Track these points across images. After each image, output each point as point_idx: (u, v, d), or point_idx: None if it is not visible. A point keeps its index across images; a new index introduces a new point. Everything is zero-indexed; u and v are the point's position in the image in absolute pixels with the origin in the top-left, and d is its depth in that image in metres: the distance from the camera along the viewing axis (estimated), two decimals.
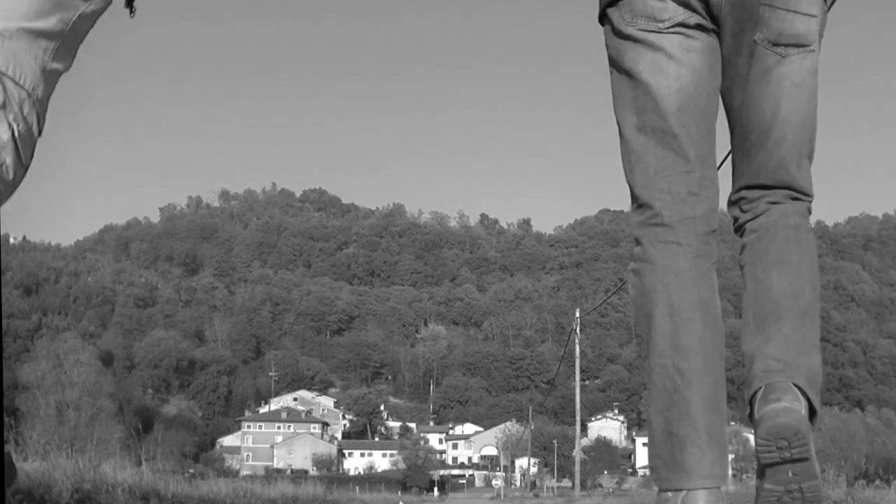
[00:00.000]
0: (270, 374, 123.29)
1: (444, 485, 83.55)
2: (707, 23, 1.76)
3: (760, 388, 1.74)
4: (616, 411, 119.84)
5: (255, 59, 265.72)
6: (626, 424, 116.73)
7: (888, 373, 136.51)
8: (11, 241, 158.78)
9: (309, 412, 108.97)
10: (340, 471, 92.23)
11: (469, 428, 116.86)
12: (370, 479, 76.16)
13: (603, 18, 1.84)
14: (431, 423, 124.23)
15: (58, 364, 66.08)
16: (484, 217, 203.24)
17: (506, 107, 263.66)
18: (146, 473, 9.76)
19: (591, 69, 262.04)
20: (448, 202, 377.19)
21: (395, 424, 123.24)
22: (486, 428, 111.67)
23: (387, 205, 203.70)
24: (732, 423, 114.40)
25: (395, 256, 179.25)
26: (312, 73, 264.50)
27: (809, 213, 1.84)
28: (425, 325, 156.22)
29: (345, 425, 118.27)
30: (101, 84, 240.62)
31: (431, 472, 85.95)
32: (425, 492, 74.00)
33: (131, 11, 1.79)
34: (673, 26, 1.74)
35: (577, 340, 36.92)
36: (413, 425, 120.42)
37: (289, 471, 73.91)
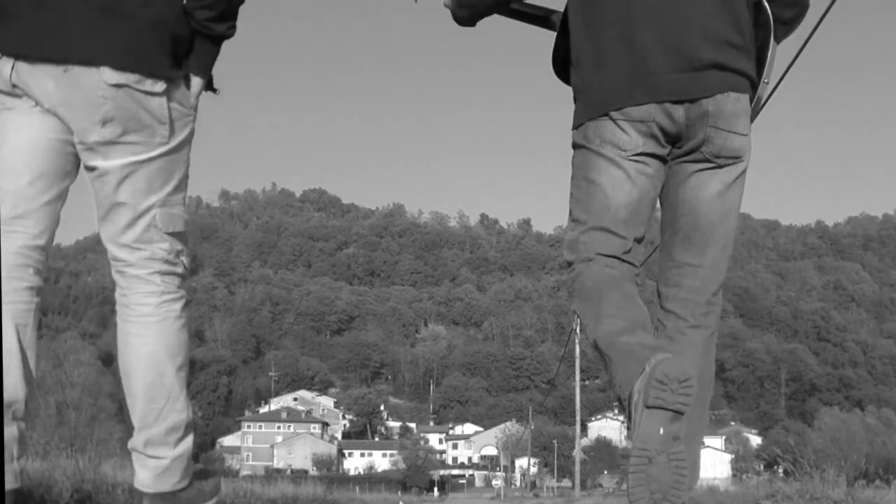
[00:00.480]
0: (270, 374, 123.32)
1: (444, 485, 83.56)
2: (659, 149, 2.19)
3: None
4: (616, 411, 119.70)
5: (255, 59, 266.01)
6: (626, 424, 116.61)
7: (888, 373, 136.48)
8: None
9: (309, 412, 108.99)
10: (340, 471, 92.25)
11: (469, 428, 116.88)
12: (370, 479, 76.16)
13: (577, 127, 2.25)
14: (431, 423, 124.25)
15: (58, 364, 66.12)
16: (484, 217, 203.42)
17: (506, 107, 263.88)
18: None
19: None
20: (448, 202, 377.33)
21: (395, 424, 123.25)
22: (486, 428, 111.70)
23: (387, 205, 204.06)
24: (732, 423, 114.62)
25: (395, 256, 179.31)
26: (312, 73, 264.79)
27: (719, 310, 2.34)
28: (425, 325, 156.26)
29: (345, 425, 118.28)
30: None
31: (431, 472, 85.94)
32: (425, 492, 73.98)
33: (214, 92, 2.30)
34: (634, 155, 2.17)
35: (577, 340, 36.93)
36: (413, 425, 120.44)
37: (289, 471, 73.95)
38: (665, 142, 2.19)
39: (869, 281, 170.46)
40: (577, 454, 40.78)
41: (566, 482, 76.97)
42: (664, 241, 2.35)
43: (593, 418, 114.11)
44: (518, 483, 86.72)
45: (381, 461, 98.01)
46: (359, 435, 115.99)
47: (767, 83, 2.41)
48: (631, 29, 2.17)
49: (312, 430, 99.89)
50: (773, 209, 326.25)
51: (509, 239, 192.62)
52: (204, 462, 79.81)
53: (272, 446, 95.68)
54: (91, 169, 2.16)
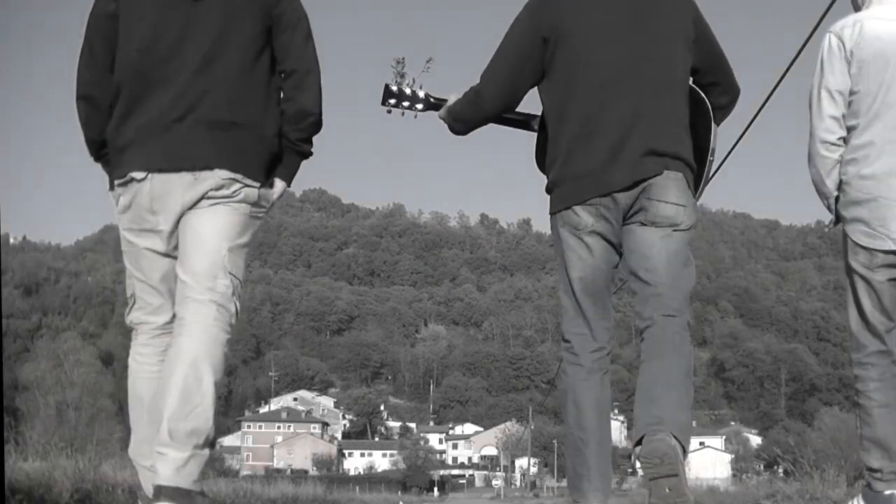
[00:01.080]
0: (270, 374, 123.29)
1: (444, 485, 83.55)
2: (609, 226, 2.87)
3: (644, 435, 2.64)
4: (616, 411, 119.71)
5: None
6: (625, 424, 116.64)
7: None
8: (11, 241, 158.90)
9: (309, 412, 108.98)
10: (340, 471, 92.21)
11: (469, 428, 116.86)
12: (370, 479, 76.15)
13: (552, 214, 2.96)
14: (431, 423, 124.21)
15: (58, 364, 66.06)
16: (484, 217, 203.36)
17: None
18: None
19: None
20: (448, 202, 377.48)
21: (395, 424, 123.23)
22: (486, 428, 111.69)
23: (387, 205, 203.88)
24: (732, 423, 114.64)
25: (395, 256, 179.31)
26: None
27: (689, 325, 2.85)
28: (425, 325, 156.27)
29: (345, 425, 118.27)
30: None
31: (431, 472, 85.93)
32: (425, 492, 73.99)
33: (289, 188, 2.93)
34: (588, 233, 2.88)
35: None
36: (413, 425, 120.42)
37: (289, 471, 73.92)
38: (613, 218, 2.87)
39: None
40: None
41: (566, 482, 76.90)
42: (631, 282, 2.95)
43: None
44: (518, 483, 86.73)
45: (381, 461, 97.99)
46: (359, 435, 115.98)
47: (713, 160, 3.09)
48: (588, 129, 2.86)
49: (312, 430, 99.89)
50: (773, 209, 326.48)
51: (509, 239, 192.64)
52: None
53: (272, 446, 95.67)
54: (190, 223, 2.75)
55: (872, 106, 3.19)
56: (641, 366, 2.84)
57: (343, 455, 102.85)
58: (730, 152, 11.93)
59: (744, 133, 11.55)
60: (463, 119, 3.16)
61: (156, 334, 2.82)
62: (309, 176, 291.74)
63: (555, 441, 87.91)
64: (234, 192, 2.73)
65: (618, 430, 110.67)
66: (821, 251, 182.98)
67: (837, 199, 3.36)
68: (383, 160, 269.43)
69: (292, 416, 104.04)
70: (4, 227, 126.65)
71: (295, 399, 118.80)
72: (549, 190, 3.00)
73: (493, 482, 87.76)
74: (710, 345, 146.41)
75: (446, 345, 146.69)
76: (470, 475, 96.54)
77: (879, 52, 3.17)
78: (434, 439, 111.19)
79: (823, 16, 8.05)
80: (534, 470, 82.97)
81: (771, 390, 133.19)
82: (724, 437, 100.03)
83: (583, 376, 2.90)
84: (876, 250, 3.21)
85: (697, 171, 3.01)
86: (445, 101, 3.26)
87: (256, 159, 2.79)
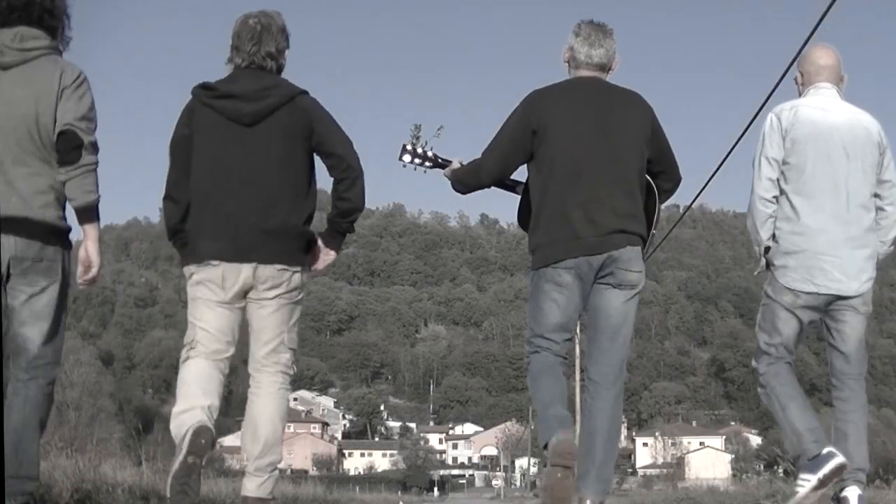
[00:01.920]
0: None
1: (444, 485, 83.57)
2: (582, 283, 3.59)
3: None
4: None
5: None
6: (625, 424, 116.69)
7: (888, 373, 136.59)
8: None
9: (309, 412, 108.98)
10: (340, 471, 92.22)
11: (469, 428, 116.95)
12: (370, 479, 76.17)
13: (534, 270, 3.67)
14: (431, 423, 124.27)
15: None
16: (484, 217, 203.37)
17: (506, 106, 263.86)
18: (146, 473, 9.76)
19: None
20: (448, 202, 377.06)
21: (395, 424, 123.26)
22: (486, 428, 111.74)
23: (387, 205, 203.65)
24: (732, 423, 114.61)
25: (395, 256, 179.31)
26: (311, 72, 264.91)
27: (624, 388, 3.71)
28: (425, 325, 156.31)
29: (345, 425, 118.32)
30: (102, 84, 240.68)
31: (431, 472, 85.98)
32: (425, 492, 73.99)
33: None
34: (565, 286, 3.58)
35: (576, 340, 36.87)
36: (413, 425, 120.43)
37: (289, 471, 73.91)
38: (585, 278, 3.58)
39: None
40: (577, 454, 40.71)
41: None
42: (589, 334, 3.70)
43: None
44: (518, 483, 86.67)
45: (381, 461, 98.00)
46: (359, 435, 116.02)
47: (655, 234, 3.89)
48: (566, 208, 3.58)
49: (312, 430, 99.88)
50: None
51: (509, 239, 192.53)
52: (204, 462, 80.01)
53: None
54: (256, 307, 3.68)
55: (801, 177, 3.92)
56: (586, 415, 3.81)
57: (343, 455, 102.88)
58: (730, 152, 11.92)
59: (743, 133, 11.54)
60: (464, 183, 4.06)
61: (207, 355, 3.76)
62: None
63: None
64: (285, 279, 3.62)
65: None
66: None
67: (768, 248, 4.04)
68: (383, 160, 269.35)
69: (292, 416, 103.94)
70: None
71: (295, 399, 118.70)
72: (533, 250, 3.71)
73: (493, 482, 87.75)
74: (710, 345, 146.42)
75: (446, 345, 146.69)
76: (470, 475, 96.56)
77: (809, 134, 3.92)
78: (434, 439, 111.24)
79: (823, 16, 8.05)
80: (534, 470, 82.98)
81: None
82: (724, 437, 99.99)
83: (546, 361, 3.71)
84: (800, 291, 3.90)
85: (650, 227, 3.86)
86: (450, 162, 4.12)
87: (299, 253, 3.67)
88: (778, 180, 3.97)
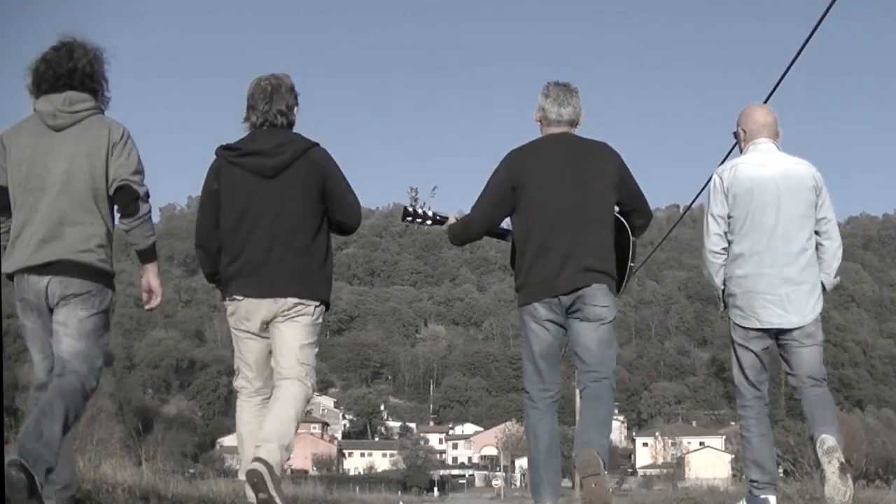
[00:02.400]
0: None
1: (444, 485, 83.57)
2: (559, 316, 4.22)
3: (581, 450, 4.02)
4: (616, 411, 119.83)
5: (254, 58, 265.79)
6: (625, 424, 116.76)
7: (888, 373, 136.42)
8: None
9: (309, 412, 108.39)
10: (340, 471, 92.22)
11: (469, 428, 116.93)
12: (370, 479, 76.16)
13: (520, 307, 4.30)
14: (431, 423, 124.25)
15: None
16: None
17: (506, 106, 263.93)
18: (146, 473, 9.75)
19: (590, 69, 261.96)
20: (448, 202, 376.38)
21: (395, 424, 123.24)
22: (486, 428, 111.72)
23: (387, 205, 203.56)
24: (732, 423, 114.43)
25: (395, 256, 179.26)
26: (312, 72, 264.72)
27: (614, 386, 4.23)
28: (425, 325, 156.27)
29: (345, 425, 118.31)
30: None
31: (431, 472, 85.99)
32: (425, 492, 73.98)
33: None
34: (544, 321, 4.24)
35: None
36: (413, 425, 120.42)
37: (289, 471, 73.84)
38: (559, 312, 4.20)
39: (869, 281, 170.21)
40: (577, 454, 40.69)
41: (566, 482, 76.96)
42: (573, 358, 4.28)
43: None
44: (518, 483, 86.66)
45: (381, 461, 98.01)
46: (359, 435, 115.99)
47: (633, 266, 4.43)
48: (543, 254, 4.17)
49: (312, 430, 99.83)
50: None
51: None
52: (204, 462, 79.85)
53: None
54: (278, 330, 4.21)
55: (743, 227, 4.52)
56: (580, 412, 4.30)
57: (343, 455, 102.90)
58: (730, 152, 11.95)
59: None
60: (459, 237, 4.57)
61: (251, 394, 4.43)
62: None
63: None
64: (300, 310, 4.16)
65: (617, 430, 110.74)
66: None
67: (724, 291, 4.62)
68: (383, 160, 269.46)
69: None
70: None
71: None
72: (517, 290, 4.33)
73: (493, 482, 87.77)
74: (710, 345, 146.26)
75: (446, 345, 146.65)
76: (470, 475, 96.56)
77: (747, 189, 4.53)
78: (434, 439, 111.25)
79: (824, 15, 8.05)
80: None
81: (771, 390, 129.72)
82: (724, 437, 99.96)
83: (538, 416, 4.30)
84: (748, 328, 4.53)
85: (621, 275, 4.37)
86: (447, 218, 4.67)
87: (315, 288, 4.21)
88: (725, 233, 4.58)
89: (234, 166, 4.18)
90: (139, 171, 4.03)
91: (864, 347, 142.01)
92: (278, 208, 4.13)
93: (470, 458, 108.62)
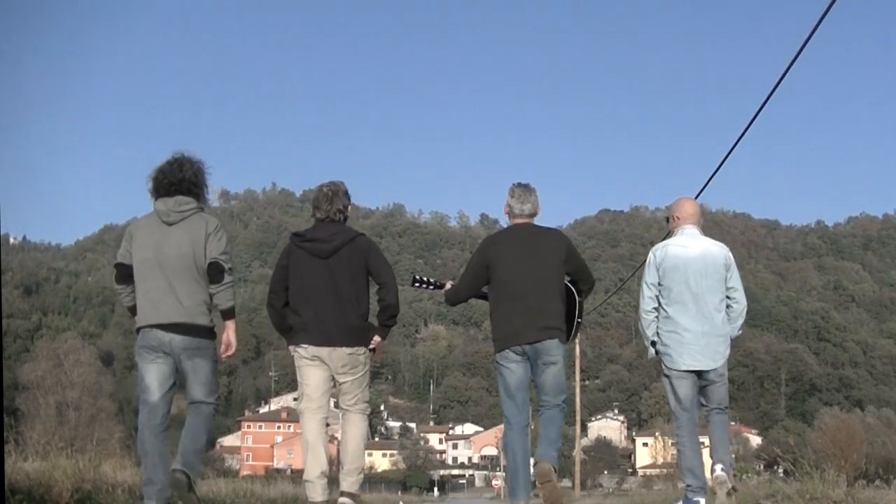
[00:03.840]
0: (270, 374, 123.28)
1: (444, 485, 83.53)
2: (524, 359, 5.68)
3: (537, 462, 5.46)
4: (616, 411, 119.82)
5: (254, 58, 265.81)
6: (626, 424, 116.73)
7: (888, 373, 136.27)
8: (11, 241, 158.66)
9: None
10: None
11: (469, 428, 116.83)
12: (370, 479, 76.03)
13: (496, 353, 5.73)
14: (431, 423, 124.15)
15: (58, 364, 65.95)
16: (484, 217, 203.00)
17: (505, 106, 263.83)
18: None
19: (590, 69, 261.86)
20: (448, 202, 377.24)
21: (395, 424, 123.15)
22: (486, 428, 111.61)
23: (387, 205, 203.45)
24: (732, 423, 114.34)
25: (395, 256, 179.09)
26: (312, 72, 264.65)
27: (564, 410, 5.71)
28: (425, 325, 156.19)
29: None
30: (102, 84, 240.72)
31: (431, 472, 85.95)
32: (425, 492, 73.95)
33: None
34: (513, 362, 5.70)
35: (576, 340, 36.91)
36: (413, 425, 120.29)
37: (289, 471, 73.85)
38: (525, 357, 5.62)
39: (869, 281, 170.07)
40: (577, 454, 40.82)
41: (566, 482, 76.96)
42: (536, 388, 5.73)
43: (593, 418, 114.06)
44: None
45: (381, 461, 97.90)
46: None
47: (580, 322, 5.86)
48: (510, 314, 5.57)
49: None
50: (773, 209, 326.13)
51: None
52: (203, 462, 79.69)
53: (272, 446, 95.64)
54: (341, 382, 5.72)
55: (672, 294, 5.92)
56: (539, 430, 5.69)
57: None
58: (730, 152, 11.91)
59: (744, 133, 11.53)
60: (451, 300, 6.06)
61: (314, 412, 5.74)
62: (309, 176, 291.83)
63: None
64: (352, 358, 5.65)
65: (618, 430, 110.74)
66: (821, 251, 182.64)
67: (654, 342, 6.01)
68: (383, 160, 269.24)
69: (292, 416, 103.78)
70: (4, 227, 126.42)
71: (295, 399, 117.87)
72: (493, 340, 5.74)
73: (493, 482, 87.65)
74: None
75: (446, 345, 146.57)
76: (470, 475, 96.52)
77: (674, 265, 5.93)
78: (434, 439, 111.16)
79: (824, 15, 8.05)
80: (534, 470, 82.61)
81: (771, 390, 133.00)
82: None
83: (515, 437, 5.71)
84: (676, 369, 5.94)
85: (571, 328, 5.80)
86: (444, 284, 6.14)
87: (361, 339, 5.67)
88: (657, 296, 5.93)
89: (299, 249, 5.70)
90: (226, 252, 5.37)
91: (864, 347, 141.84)
92: (330, 281, 5.57)
93: (470, 458, 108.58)
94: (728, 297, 6.06)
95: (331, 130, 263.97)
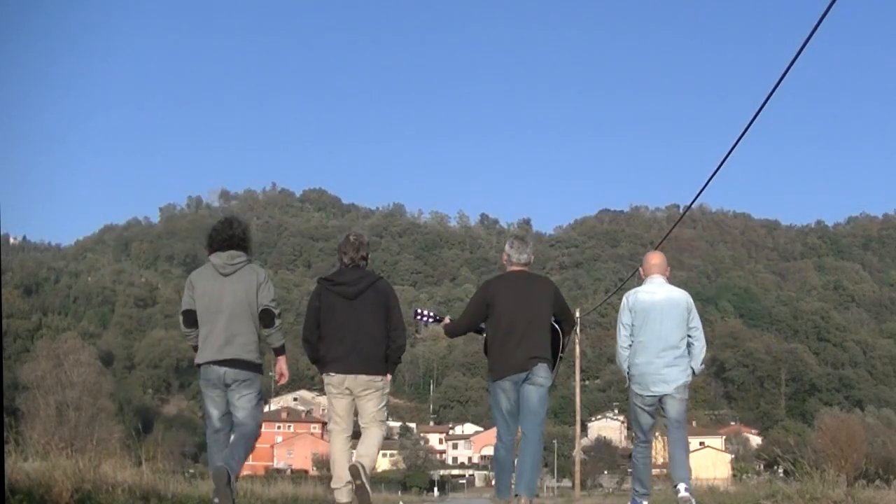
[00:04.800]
0: (270, 373, 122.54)
1: (444, 485, 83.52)
2: (515, 385, 6.64)
3: (517, 494, 6.53)
4: (616, 411, 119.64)
5: (254, 59, 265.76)
6: (625, 424, 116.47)
7: (888, 373, 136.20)
8: (11, 241, 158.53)
9: (309, 412, 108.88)
10: None
11: (469, 428, 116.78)
12: (370, 479, 75.92)
13: (492, 381, 6.75)
14: (431, 423, 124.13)
15: (58, 364, 65.93)
16: (484, 217, 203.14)
17: (506, 106, 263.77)
18: (146, 473, 9.75)
19: (589, 69, 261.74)
20: (448, 202, 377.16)
21: (395, 424, 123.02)
22: (486, 428, 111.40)
23: (387, 205, 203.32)
24: (732, 423, 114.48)
25: (395, 256, 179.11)
26: (312, 73, 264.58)
27: (543, 428, 6.71)
28: (425, 325, 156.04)
29: None
30: (102, 84, 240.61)
31: (431, 472, 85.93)
32: (425, 492, 73.93)
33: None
34: (507, 388, 6.66)
35: (577, 340, 36.89)
36: (413, 425, 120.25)
37: (289, 471, 73.89)
38: (517, 383, 6.55)
39: (869, 281, 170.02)
40: (577, 454, 40.82)
41: (566, 482, 76.92)
42: (521, 410, 6.65)
43: (593, 418, 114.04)
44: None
45: (381, 461, 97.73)
46: (359, 435, 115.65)
47: (562, 355, 6.83)
48: (505, 346, 6.53)
49: (312, 430, 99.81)
50: (773, 209, 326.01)
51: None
52: (204, 462, 79.48)
53: (272, 446, 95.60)
54: (362, 403, 6.69)
55: (640, 333, 7.03)
56: (521, 446, 6.60)
57: None
58: (730, 152, 11.93)
59: (743, 133, 11.54)
60: (451, 333, 7.27)
61: (340, 432, 6.74)
62: (309, 176, 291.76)
63: (555, 441, 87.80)
64: (371, 384, 6.59)
65: (618, 430, 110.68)
66: (821, 251, 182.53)
67: (628, 371, 7.13)
68: (383, 160, 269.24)
69: (292, 416, 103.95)
70: (4, 227, 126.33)
71: (295, 399, 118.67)
72: (489, 369, 6.69)
73: (494, 482, 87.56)
74: (710, 345, 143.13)
75: (446, 345, 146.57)
76: (470, 475, 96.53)
77: (643, 309, 7.03)
78: (434, 439, 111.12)
79: (824, 15, 8.04)
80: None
81: (771, 390, 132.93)
82: (724, 437, 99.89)
83: (505, 452, 6.74)
84: (643, 395, 7.05)
85: (556, 357, 6.76)
86: (444, 318, 7.28)
87: (380, 369, 6.64)
88: (630, 335, 7.08)
89: (329, 292, 6.64)
90: (274, 299, 6.43)
91: (864, 347, 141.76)
92: (357, 319, 6.55)
93: (470, 458, 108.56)
94: (689, 336, 7.10)
95: (331, 130, 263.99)
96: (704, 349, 7.13)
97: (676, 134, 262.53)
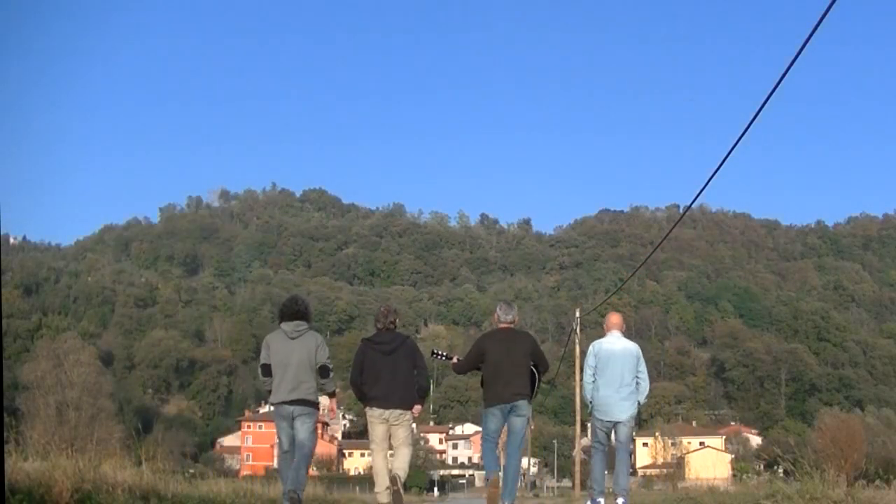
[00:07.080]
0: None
1: (444, 485, 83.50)
2: (503, 413, 8.99)
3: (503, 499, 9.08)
4: None
5: (255, 58, 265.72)
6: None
7: (888, 373, 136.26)
8: (11, 241, 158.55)
9: None
10: (340, 471, 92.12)
11: (469, 428, 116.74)
12: (370, 479, 75.93)
13: (485, 408, 9.21)
14: (431, 423, 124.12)
15: (58, 364, 65.92)
16: (484, 217, 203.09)
17: (506, 106, 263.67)
18: (146, 473, 9.75)
19: (589, 70, 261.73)
20: (448, 202, 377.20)
21: None
22: None
23: (387, 205, 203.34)
24: (732, 423, 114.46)
25: (395, 256, 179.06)
26: (313, 73, 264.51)
27: (522, 448, 9.31)
28: (425, 325, 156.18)
29: (345, 425, 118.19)
30: (101, 83, 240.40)
31: (431, 472, 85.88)
32: (425, 492, 73.92)
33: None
34: (496, 414, 9.03)
35: (577, 340, 36.87)
36: (413, 425, 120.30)
37: None
38: (503, 412, 8.90)
39: (869, 281, 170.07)
40: (577, 454, 40.78)
41: (566, 482, 76.90)
42: (507, 436, 9.14)
43: None
44: (519, 483, 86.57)
45: None
46: (359, 435, 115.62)
47: (538, 390, 9.30)
48: (495, 384, 8.91)
49: None
50: (773, 209, 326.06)
51: (509, 239, 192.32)
52: (204, 462, 79.64)
53: (272, 446, 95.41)
54: (394, 430, 9.05)
55: (603, 374, 9.40)
56: (504, 463, 8.98)
57: (343, 455, 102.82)
58: (729, 153, 11.94)
59: (743, 133, 11.55)
60: (457, 371, 9.30)
61: (379, 451, 8.98)
62: (309, 176, 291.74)
63: (555, 441, 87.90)
64: (403, 416, 8.88)
65: None
66: (821, 251, 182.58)
67: (591, 403, 9.50)
68: (383, 160, 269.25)
69: None
70: (4, 227, 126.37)
71: None
72: (483, 400, 8.89)
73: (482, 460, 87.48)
74: (710, 345, 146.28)
75: (446, 344, 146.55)
76: (470, 475, 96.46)
77: (605, 356, 9.43)
78: (434, 439, 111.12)
79: (824, 15, 8.04)
80: (534, 470, 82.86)
81: (771, 390, 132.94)
82: (724, 437, 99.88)
83: (490, 449, 8.97)
84: (603, 420, 9.45)
85: (533, 391, 8.96)
86: (452, 358, 9.33)
87: (410, 404, 8.90)
88: (594, 374, 9.40)
89: (371, 349, 8.84)
90: (328, 357, 8.75)
91: (864, 347, 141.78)
92: (392, 369, 8.73)
93: (470, 458, 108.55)
94: (637, 377, 9.41)
95: (331, 130, 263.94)
96: (647, 387, 9.52)
97: (676, 134, 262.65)
